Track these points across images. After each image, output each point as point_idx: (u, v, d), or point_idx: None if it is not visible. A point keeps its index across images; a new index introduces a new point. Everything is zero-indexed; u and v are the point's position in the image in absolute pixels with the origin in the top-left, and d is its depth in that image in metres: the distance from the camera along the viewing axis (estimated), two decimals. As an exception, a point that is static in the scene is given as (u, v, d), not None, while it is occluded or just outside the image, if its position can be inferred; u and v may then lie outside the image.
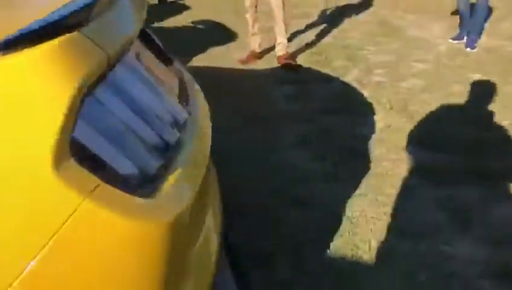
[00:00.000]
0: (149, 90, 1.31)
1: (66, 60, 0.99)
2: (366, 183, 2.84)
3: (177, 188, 1.18)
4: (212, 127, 1.62)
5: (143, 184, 1.11)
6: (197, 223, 1.33)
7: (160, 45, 1.72)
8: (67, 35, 1.02)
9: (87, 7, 1.08)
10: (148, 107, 1.25)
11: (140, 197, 1.07)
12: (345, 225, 2.49)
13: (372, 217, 2.54)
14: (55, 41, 1.00)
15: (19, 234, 0.97)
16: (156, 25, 6.32)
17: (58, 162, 0.96)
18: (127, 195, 1.04)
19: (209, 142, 1.52)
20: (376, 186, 2.81)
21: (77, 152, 1.00)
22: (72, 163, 0.98)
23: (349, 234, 2.43)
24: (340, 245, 2.35)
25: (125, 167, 1.09)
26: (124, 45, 1.24)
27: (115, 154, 1.07)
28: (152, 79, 1.38)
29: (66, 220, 0.96)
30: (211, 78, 3.48)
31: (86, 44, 1.06)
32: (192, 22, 6.59)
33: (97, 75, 1.07)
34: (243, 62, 5.03)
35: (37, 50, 0.97)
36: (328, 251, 2.32)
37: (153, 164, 1.17)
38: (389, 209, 2.61)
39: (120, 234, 1.02)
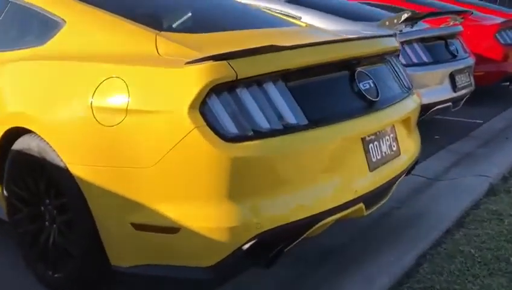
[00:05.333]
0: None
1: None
2: None
3: (246, 146, 2.08)
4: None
5: (235, 138, 2.06)
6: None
7: None
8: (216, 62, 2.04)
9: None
10: None
11: (224, 141, 2.02)
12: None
13: None
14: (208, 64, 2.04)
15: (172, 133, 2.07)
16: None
17: (191, 110, 2.02)
18: (215, 136, 2.02)
19: None
20: None
21: (205, 114, 2.02)
22: (197, 113, 2.02)
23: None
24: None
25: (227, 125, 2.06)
26: None
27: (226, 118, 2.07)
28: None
29: (185, 135, 2.02)
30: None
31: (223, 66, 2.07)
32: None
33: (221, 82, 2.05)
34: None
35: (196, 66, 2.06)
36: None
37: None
38: None
39: (202, 151, 2.02)
